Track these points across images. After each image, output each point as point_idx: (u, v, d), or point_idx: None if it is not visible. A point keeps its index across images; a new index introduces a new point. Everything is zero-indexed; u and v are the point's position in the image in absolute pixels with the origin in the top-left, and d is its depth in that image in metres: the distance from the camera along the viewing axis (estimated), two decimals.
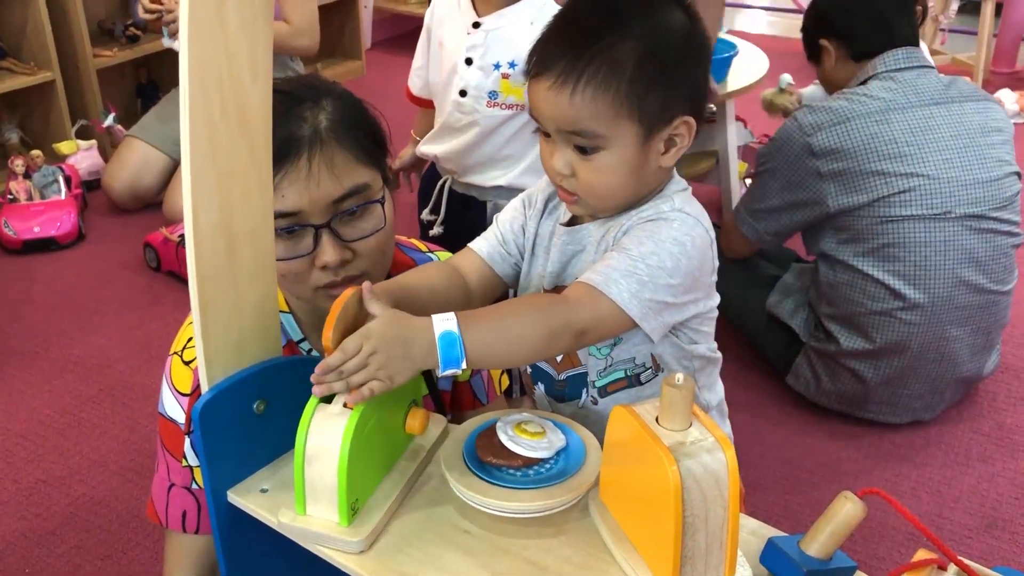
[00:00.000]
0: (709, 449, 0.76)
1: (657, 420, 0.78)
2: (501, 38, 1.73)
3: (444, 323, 0.83)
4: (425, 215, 1.98)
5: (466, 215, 1.90)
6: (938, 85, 1.96)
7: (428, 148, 1.88)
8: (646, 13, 0.93)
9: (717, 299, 1.01)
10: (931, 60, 2.05)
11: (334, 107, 1.09)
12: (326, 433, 0.84)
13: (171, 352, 1.18)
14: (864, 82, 2.00)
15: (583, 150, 0.92)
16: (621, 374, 1.01)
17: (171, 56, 3.11)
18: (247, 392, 0.92)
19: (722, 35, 2.74)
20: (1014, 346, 2.33)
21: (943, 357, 1.95)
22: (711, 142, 2.76)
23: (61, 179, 3.00)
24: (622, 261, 0.90)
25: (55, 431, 2.08)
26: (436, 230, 1.93)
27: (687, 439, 0.77)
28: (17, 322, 2.50)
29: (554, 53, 0.91)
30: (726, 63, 2.59)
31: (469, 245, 1.06)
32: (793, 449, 2.01)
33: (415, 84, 1.97)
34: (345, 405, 0.84)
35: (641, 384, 1.01)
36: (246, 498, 0.92)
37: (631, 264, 0.89)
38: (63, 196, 2.95)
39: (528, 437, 0.90)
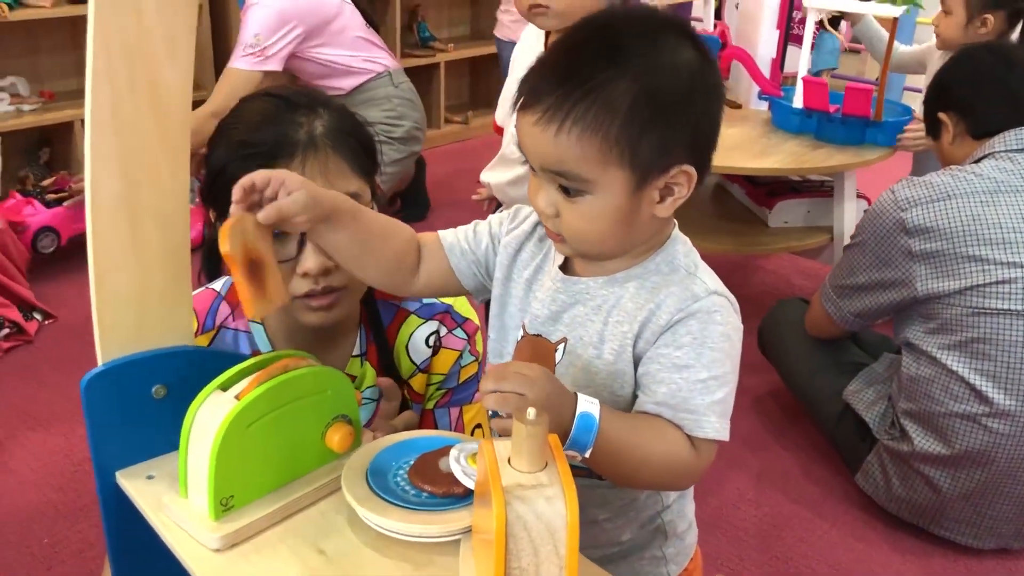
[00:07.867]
0: (548, 497, 0.67)
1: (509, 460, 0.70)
2: None
3: (588, 404, 0.80)
4: None
5: None
6: None
7: (485, 176, 1.86)
8: (649, 48, 0.83)
9: None
10: None
11: (330, 115, 1.08)
12: (210, 417, 0.81)
13: None
14: (978, 161, 1.81)
15: (567, 191, 0.85)
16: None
17: None
18: (144, 374, 0.89)
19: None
20: None
21: None
22: (826, 218, 2.58)
23: None
24: (695, 388, 0.84)
25: None
26: None
27: (530, 482, 0.68)
28: None
29: (544, 86, 0.83)
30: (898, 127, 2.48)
31: (437, 232, 1.01)
32: (847, 554, 1.80)
33: (499, 114, 1.96)
34: (237, 397, 0.81)
35: (595, 478, 0.93)
36: (131, 482, 0.90)
37: (703, 386, 0.85)
38: None
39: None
